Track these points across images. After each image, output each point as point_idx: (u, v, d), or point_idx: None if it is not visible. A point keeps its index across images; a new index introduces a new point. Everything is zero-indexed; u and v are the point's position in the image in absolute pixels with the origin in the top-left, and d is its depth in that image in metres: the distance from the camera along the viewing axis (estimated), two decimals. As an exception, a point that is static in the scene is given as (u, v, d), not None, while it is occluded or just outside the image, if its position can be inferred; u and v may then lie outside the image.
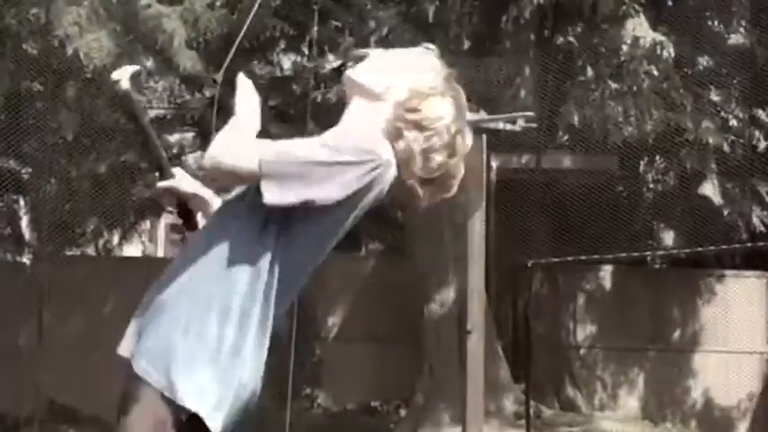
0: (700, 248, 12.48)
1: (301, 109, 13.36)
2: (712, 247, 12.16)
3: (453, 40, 10.90)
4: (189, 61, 10.20)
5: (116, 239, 14.44)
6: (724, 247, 12.32)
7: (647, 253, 14.14)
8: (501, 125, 8.50)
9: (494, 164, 11.89)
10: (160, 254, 17.93)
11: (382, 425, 12.71)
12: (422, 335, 12.07)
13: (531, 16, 10.90)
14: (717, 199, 11.29)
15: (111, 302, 13.15)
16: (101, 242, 14.19)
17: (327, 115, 13.83)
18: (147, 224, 16.64)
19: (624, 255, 12.93)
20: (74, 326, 12.92)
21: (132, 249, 15.60)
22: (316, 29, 9.93)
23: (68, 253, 13.43)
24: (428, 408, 11.80)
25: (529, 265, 11.50)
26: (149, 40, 10.20)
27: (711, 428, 13.88)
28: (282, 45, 13.15)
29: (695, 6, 11.15)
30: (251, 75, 13.26)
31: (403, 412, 12.79)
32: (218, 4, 10.38)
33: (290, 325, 10.56)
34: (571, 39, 11.25)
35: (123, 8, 9.96)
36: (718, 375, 14.06)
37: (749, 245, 12.54)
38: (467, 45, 11.46)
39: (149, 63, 11.52)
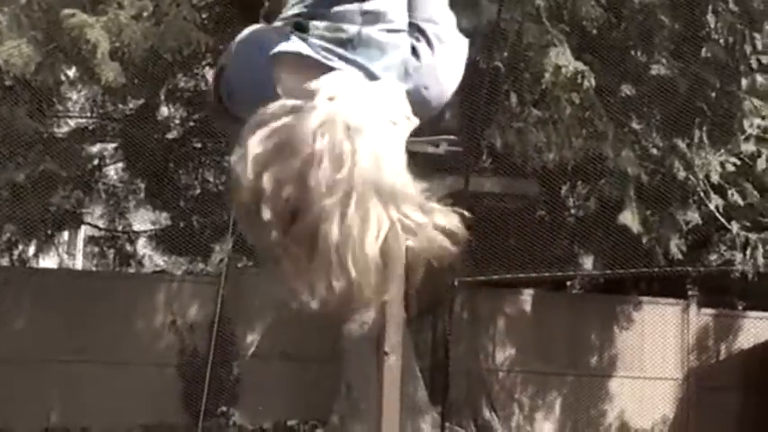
0: (619, 271, 12.65)
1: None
2: (626, 270, 12.33)
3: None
4: (112, 72, 10.06)
5: (32, 251, 14.19)
6: (634, 270, 12.49)
7: (571, 273, 14.29)
8: (424, 148, 8.51)
9: (417, 185, 11.91)
10: (78, 266, 17.65)
11: (298, 444, 12.66)
12: (340, 355, 12.03)
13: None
14: (635, 227, 11.44)
15: (25, 314, 12.91)
16: (16, 253, 13.94)
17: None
18: (65, 236, 16.39)
19: (548, 274, 13.06)
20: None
21: (48, 261, 15.33)
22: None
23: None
24: (344, 428, 11.76)
25: (455, 283, 11.54)
26: (72, 50, 10.05)
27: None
28: (208, 59, 13.05)
29: (619, 37, 11.32)
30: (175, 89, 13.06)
31: (319, 432, 12.75)
32: (144, 15, 10.27)
33: (208, 342, 10.47)
34: (498, 64, 11.34)
35: (46, 16, 9.80)
36: (633, 400, 14.24)
37: (665, 269, 12.72)
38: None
39: (71, 73, 11.36)
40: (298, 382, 13.00)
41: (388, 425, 8.61)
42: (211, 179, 14.37)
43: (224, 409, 13.01)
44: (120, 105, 13.73)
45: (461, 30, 2.09)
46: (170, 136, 14.33)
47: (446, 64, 2.00)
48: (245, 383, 13.11)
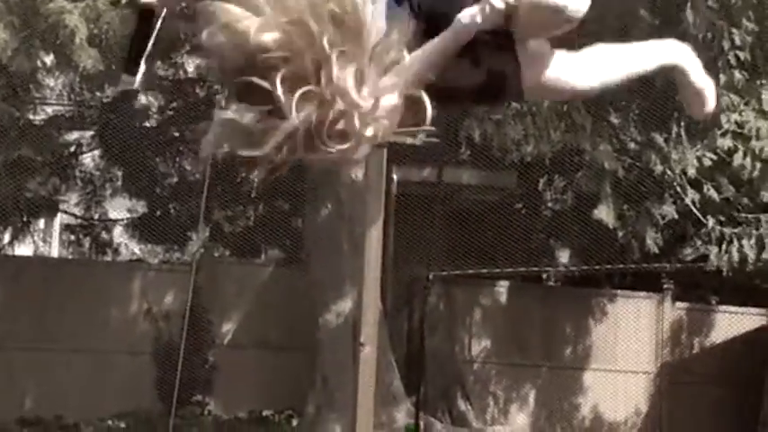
0: (596, 267, 12.70)
1: (203, 112, 13.22)
2: (605, 266, 12.38)
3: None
4: (90, 59, 10.01)
5: (7, 238, 14.10)
6: (612, 266, 12.54)
7: (548, 269, 14.33)
8: (401, 138, 8.50)
9: (394, 176, 11.93)
10: (54, 254, 17.56)
11: (273, 434, 12.65)
12: (316, 345, 12.03)
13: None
14: (610, 221, 11.48)
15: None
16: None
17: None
18: (41, 223, 16.29)
19: (524, 269, 13.09)
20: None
21: (24, 249, 15.25)
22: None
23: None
24: (320, 418, 11.77)
25: (430, 277, 11.55)
26: (50, 36, 9.99)
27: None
28: (187, 47, 13.00)
29: (596, 29, 11.33)
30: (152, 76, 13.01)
31: (295, 422, 12.73)
32: (122, 1, 10.22)
33: (181, 330, 10.43)
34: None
35: (23, 1, 9.74)
36: (606, 393, 14.31)
37: (638, 265, 12.79)
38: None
39: (49, 59, 11.29)
40: (273, 372, 12.99)
41: (364, 415, 8.63)
42: (188, 168, 14.31)
43: (199, 397, 12.99)
44: (98, 93, 13.65)
45: None
46: (148, 124, 14.27)
47: None
48: (221, 372, 13.09)
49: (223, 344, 13.40)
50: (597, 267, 12.71)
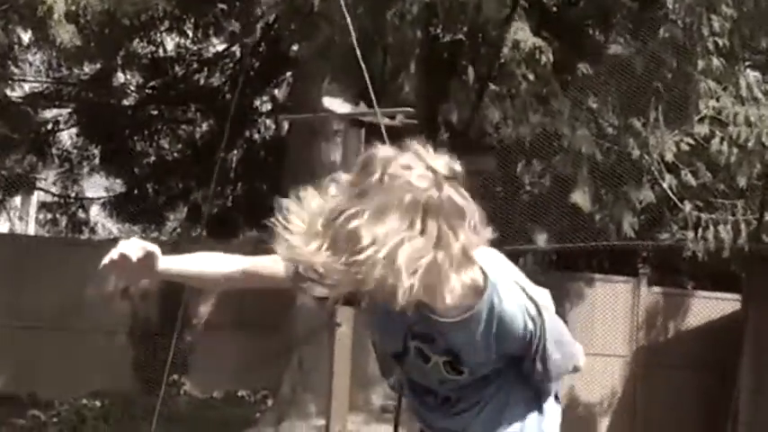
0: (569, 245, 12.77)
1: (181, 91, 13.19)
2: (575, 244, 12.48)
3: (339, 31, 10.88)
4: (68, 35, 9.94)
5: (-18, 215, 14.05)
6: (582, 244, 12.63)
7: (527, 246, 14.36)
8: (380, 119, 8.51)
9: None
10: (30, 232, 17.49)
11: (248, 414, 12.64)
12: (292, 325, 12.02)
13: (419, 13, 10.94)
14: (587, 206, 11.51)
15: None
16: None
17: (207, 99, 13.66)
18: (17, 201, 16.23)
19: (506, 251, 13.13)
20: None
21: (-1, 226, 15.21)
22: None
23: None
24: (295, 399, 11.77)
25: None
26: (27, 12, 9.91)
27: (574, 425, 14.20)
28: (166, 25, 12.95)
29: (577, 14, 11.35)
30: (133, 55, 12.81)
31: (270, 402, 12.73)
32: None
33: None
34: (461, 37, 11.33)
35: (1, -23, 9.66)
36: (582, 375, 14.38)
37: (611, 243, 12.85)
38: (354, 36, 11.47)
39: (26, 36, 11.22)
40: (249, 353, 12.99)
41: (339, 396, 8.66)
42: (167, 146, 14.27)
43: (175, 377, 12.97)
44: (76, 70, 13.58)
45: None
46: (126, 102, 14.21)
47: None
48: (197, 353, 13.08)
49: (199, 324, 13.38)
50: (570, 246, 12.75)
